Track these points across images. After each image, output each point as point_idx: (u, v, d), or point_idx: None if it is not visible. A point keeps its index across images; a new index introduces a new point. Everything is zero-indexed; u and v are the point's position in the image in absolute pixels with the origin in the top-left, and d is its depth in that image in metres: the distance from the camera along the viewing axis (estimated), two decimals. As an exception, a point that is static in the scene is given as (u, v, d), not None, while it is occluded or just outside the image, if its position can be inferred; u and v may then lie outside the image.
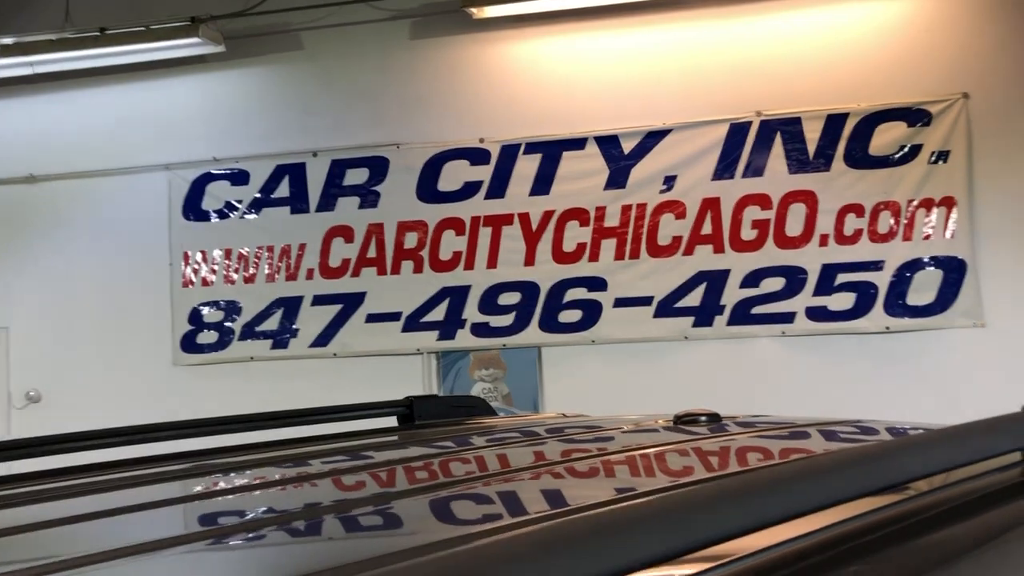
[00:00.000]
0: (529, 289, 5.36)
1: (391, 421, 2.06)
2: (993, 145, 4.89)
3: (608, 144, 5.29)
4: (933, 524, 0.78)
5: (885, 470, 0.69)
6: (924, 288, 4.94)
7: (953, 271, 4.92)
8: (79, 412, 5.26)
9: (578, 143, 5.32)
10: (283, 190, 5.70)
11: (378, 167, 5.57)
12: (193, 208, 5.80)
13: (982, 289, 4.88)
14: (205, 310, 5.75)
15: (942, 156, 4.95)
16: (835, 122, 5.06)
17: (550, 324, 5.33)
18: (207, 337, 5.74)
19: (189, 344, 5.76)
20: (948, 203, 4.94)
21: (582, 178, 5.31)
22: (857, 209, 5.04)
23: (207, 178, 5.78)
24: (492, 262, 5.40)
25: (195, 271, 5.77)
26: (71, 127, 5.89)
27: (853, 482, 0.63)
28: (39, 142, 5.94)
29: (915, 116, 4.98)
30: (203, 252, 5.76)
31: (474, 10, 5.15)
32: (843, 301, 5.03)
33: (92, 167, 5.83)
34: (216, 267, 5.75)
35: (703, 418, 1.65)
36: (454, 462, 1.39)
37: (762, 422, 1.70)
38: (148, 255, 5.79)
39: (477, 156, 5.45)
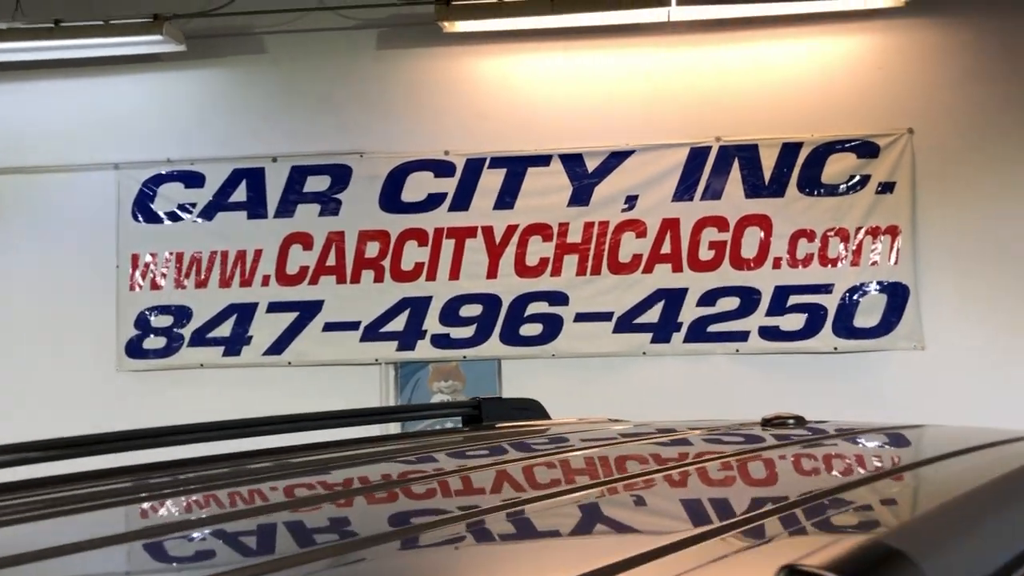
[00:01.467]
0: (491, 302, 5.40)
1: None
2: (935, 178, 5.20)
3: (572, 162, 5.40)
4: None
5: None
6: (870, 311, 5.20)
7: (897, 296, 5.19)
8: (20, 418, 5.05)
9: (543, 160, 5.41)
10: (240, 195, 5.60)
11: (340, 175, 5.53)
12: (143, 209, 5.64)
13: (922, 313, 5.17)
14: (153, 315, 5.58)
15: (888, 187, 5.24)
16: (790, 150, 5.29)
17: (511, 337, 5.38)
18: (154, 343, 5.58)
19: (134, 349, 5.58)
20: (893, 231, 5.22)
21: (546, 194, 5.40)
22: (809, 234, 5.27)
23: (159, 179, 5.63)
24: (454, 274, 5.43)
25: (143, 274, 5.60)
26: (17, 121, 5.66)
27: None
28: (-21, 135, 5.68)
29: (864, 148, 5.26)
30: (153, 255, 5.60)
31: (446, 24, 5.19)
32: (794, 322, 5.24)
33: (37, 163, 5.61)
34: (166, 271, 5.59)
35: (791, 421, 1.74)
36: (592, 463, 1.39)
37: (843, 425, 1.79)
38: (94, 256, 5.60)
39: (442, 168, 5.47)
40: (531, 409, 2.14)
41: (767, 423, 1.72)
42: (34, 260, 5.61)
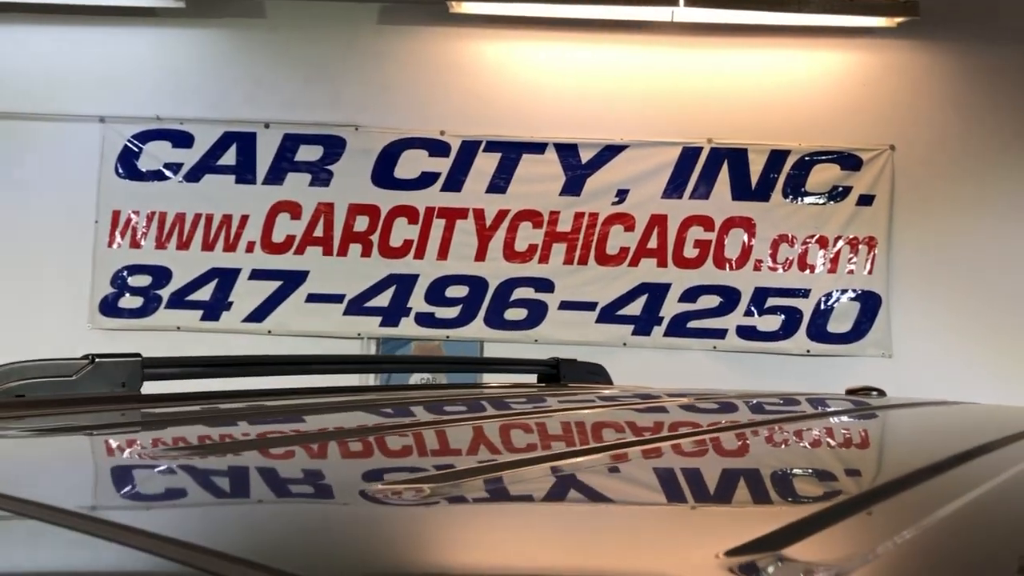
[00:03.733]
0: (477, 284, 5.44)
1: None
2: (913, 193, 5.43)
3: (567, 152, 5.47)
4: None
5: None
6: (843, 318, 5.40)
7: (869, 304, 5.40)
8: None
9: (538, 147, 5.47)
10: (229, 158, 5.52)
11: (334, 146, 5.51)
12: (127, 166, 5.52)
13: (892, 322, 5.39)
14: (131, 273, 5.48)
15: (868, 199, 5.44)
16: (777, 157, 5.46)
17: (495, 320, 5.43)
18: (130, 302, 5.47)
19: (109, 307, 5.46)
20: (870, 242, 5.43)
21: (539, 182, 5.47)
22: (790, 239, 5.45)
23: (147, 136, 5.52)
24: (443, 254, 5.45)
25: (123, 232, 5.49)
26: (3, 64, 5.48)
27: None
28: (-42, 75, 5.49)
29: (848, 160, 5.45)
30: (135, 212, 5.49)
31: (454, 4, 5.21)
32: (771, 323, 5.41)
33: (20, 109, 5.45)
34: (147, 230, 5.49)
35: (874, 392, 1.84)
36: (702, 425, 1.41)
37: (916, 400, 1.89)
38: (73, 210, 5.46)
39: (437, 147, 5.49)
40: (599, 374, 2.20)
41: (850, 393, 1.82)
42: (10, 208, 5.45)
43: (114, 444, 1.06)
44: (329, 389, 1.63)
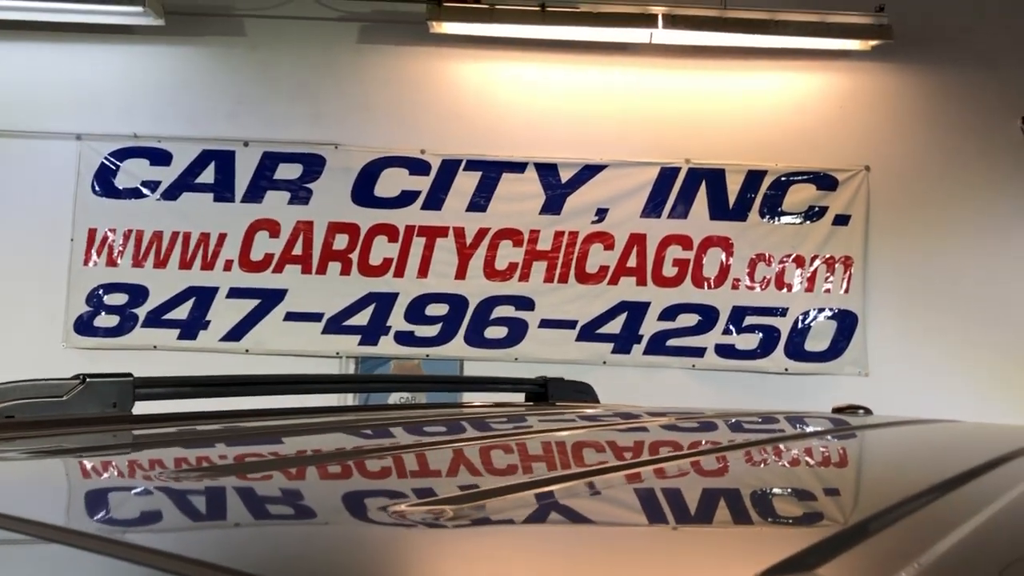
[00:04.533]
0: (457, 302, 5.44)
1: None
2: (887, 213, 5.50)
3: (547, 171, 5.50)
4: None
5: None
6: (820, 336, 5.44)
7: (846, 323, 5.45)
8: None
9: (518, 166, 5.49)
10: (207, 176, 5.50)
11: (313, 165, 5.50)
12: (104, 184, 5.48)
13: (868, 341, 5.44)
14: (106, 292, 5.42)
15: (844, 219, 5.51)
16: (754, 177, 5.52)
17: (475, 339, 5.43)
18: (106, 321, 5.41)
19: (84, 326, 5.40)
20: (846, 262, 5.49)
21: (519, 200, 5.48)
22: (767, 259, 5.50)
23: (124, 153, 5.49)
24: (423, 272, 5.45)
25: (99, 250, 5.44)
26: (-22, 80, 5.44)
27: None
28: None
29: (824, 181, 5.52)
30: (111, 231, 5.45)
31: (435, 24, 5.23)
32: (749, 341, 5.45)
33: (-5, 126, 5.40)
34: (124, 248, 5.44)
35: (861, 411, 1.85)
36: (685, 444, 1.41)
37: (904, 419, 1.91)
38: (47, 227, 5.41)
39: (417, 166, 5.50)
40: (586, 392, 2.20)
41: (837, 411, 1.83)
42: (-17, 226, 5.38)
43: (107, 465, 1.05)
44: (318, 409, 1.62)
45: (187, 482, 0.87)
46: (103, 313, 5.42)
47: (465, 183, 5.48)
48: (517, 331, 5.43)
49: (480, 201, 5.47)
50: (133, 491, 0.89)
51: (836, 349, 5.44)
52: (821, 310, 5.46)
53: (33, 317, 5.35)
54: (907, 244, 5.49)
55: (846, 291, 5.47)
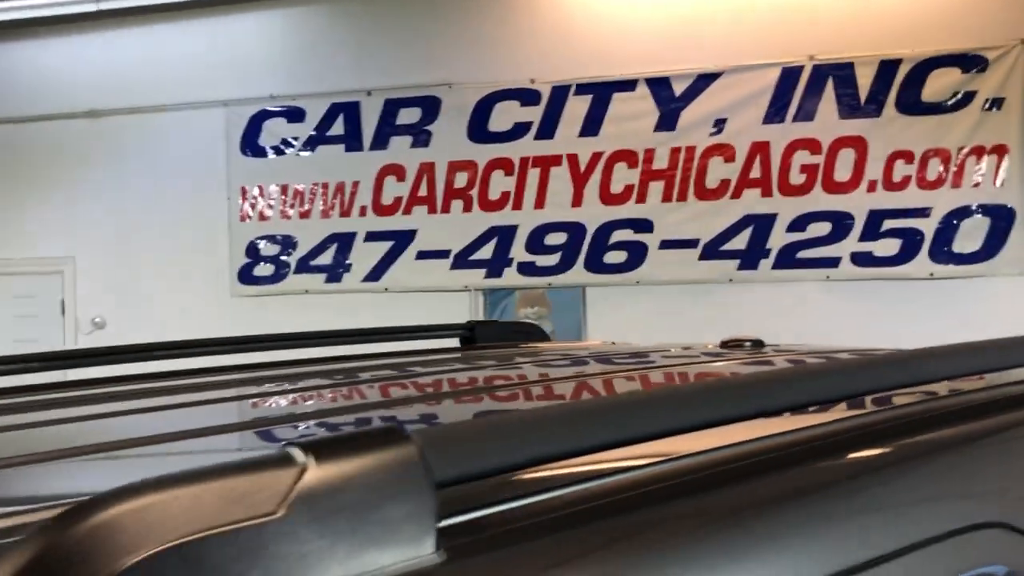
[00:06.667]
0: (575, 230, 5.46)
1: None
2: (1049, 92, 4.84)
3: (659, 86, 5.33)
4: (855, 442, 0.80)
5: (805, 388, 0.76)
6: (971, 236, 4.95)
7: (1001, 219, 4.92)
8: (141, 338, 5.50)
9: (629, 85, 5.36)
10: (338, 128, 5.82)
11: (430, 107, 5.66)
12: (250, 144, 5.96)
13: (1030, 238, 4.87)
14: (262, 244, 5.94)
15: (996, 103, 4.92)
16: (888, 68, 5.04)
17: (595, 264, 5.44)
18: (263, 270, 5.94)
19: (246, 276, 5.96)
20: (1000, 151, 4.92)
21: (632, 120, 5.36)
22: (907, 155, 5.04)
23: (264, 115, 5.92)
24: (540, 203, 5.50)
25: (252, 206, 5.95)
26: (132, 64, 6.06)
27: (768, 398, 0.70)
28: (101, 78, 6.12)
29: (970, 62, 4.94)
30: (260, 187, 5.93)
31: (528, -50, 5.17)
32: (888, 247, 5.06)
33: (152, 103, 6.00)
34: (272, 202, 5.92)
35: (747, 343, 1.76)
36: (485, 377, 1.46)
37: (797, 348, 1.79)
38: (206, 189, 5.97)
39: (528, 97, 5.51)
40: (529, 333, 2.21)
41: (724, 345, 1.75)
42: (154, 195, 6.05)
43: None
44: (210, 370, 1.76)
45: None
46: (261, 263, 5.95)
47: (576, 108, 5.43)
48: (637, 254, 5.37)
49: (592, 125, 5.41)
50: None
51: (990, 248, 4.92)
52: (971, 207, 4.95)
53: (202, 272, 5.98)
54: (1074, 124, 4.82)
55: (1000, 184, 4.91)
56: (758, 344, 1.78)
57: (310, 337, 1.96)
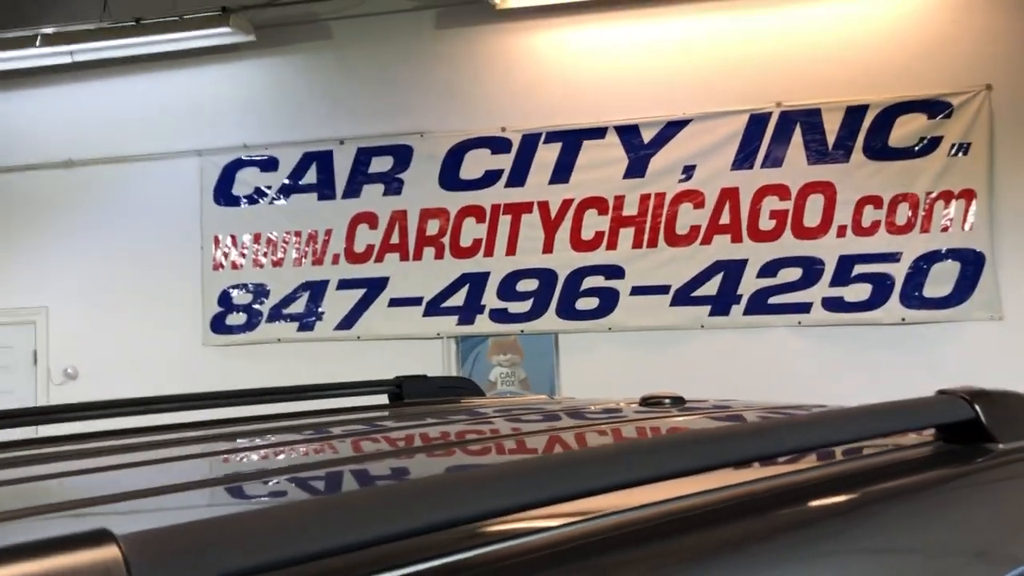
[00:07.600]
0: (547, 276, 5.44)
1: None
2: (1016, 137, 4.86)
3: (628, 133, 5.35)
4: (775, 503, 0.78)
5: (730, 447, 0.74)
6: (941, 280, 4.94)
7: (971, 263, 4.90)
8: (113, 389, 5.46)
9: (598, 132, 5.38)
10: (311, 177, 5.83)
11: (402, 155, 5.68)
12: (224, 193, 5.96)
13: (1000, 282, 4.86)
14: (234, 292, 5.92)
15: (963, 148, 4.94)
16: (855, 113, 5.07)
17: (567, 311, 5.41)
18: (236, 319, 5.91)
19: (219, 325, 5.93)
20: (968, 195, 4.92)
21: (601, 167, 5.38)
22: (875, 201, 5.04)
23: (237, 164, 5.94)
24: (511, 249, 5.49)
25: (225, 254, 5.94)
26: (108, 114, 6.09)
27: (676, 459, 0.67)
28: (77, 128, 6.15)
29: (936, 108, 4.97)
30: (233, 236, 5.92)
31: (497, 0, 5.22)
32: (859, 292, 5.04)
33: (127, 152, 6.02)
34: (245, 251, 5.91)
35: (667, 400, 1.72)
36: (389, 437, 1.43)
37: (717, 405, 1.76)
38: (180, 238, 5.97)
39: (498, 145, 5.53)
40: (460, 387, 2.18)
41: (644, 402, 1.71)
42: (128, 244, 6.04)
43: None
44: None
45: None
46: (233, 312, 5.92)
47: (546, 156, 5.45)
48: (609, 300, 5.35)
49: (562, 172, 5.42)
50: None
51: (961, 293, 4.91)
52: (940, 251, 4.95)
53: (175, 321, 5.95)
54: (1040, 169, 4.83)
55: (969, 228, 4.91)
56: (678, 400, 1.75)
57: (221, 397, 1.92)
